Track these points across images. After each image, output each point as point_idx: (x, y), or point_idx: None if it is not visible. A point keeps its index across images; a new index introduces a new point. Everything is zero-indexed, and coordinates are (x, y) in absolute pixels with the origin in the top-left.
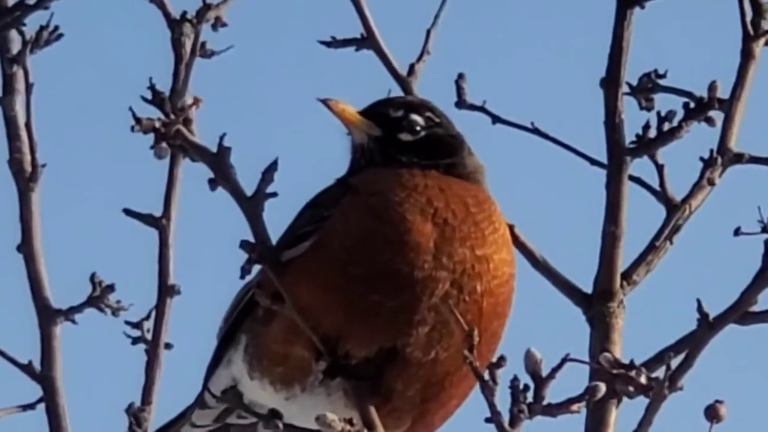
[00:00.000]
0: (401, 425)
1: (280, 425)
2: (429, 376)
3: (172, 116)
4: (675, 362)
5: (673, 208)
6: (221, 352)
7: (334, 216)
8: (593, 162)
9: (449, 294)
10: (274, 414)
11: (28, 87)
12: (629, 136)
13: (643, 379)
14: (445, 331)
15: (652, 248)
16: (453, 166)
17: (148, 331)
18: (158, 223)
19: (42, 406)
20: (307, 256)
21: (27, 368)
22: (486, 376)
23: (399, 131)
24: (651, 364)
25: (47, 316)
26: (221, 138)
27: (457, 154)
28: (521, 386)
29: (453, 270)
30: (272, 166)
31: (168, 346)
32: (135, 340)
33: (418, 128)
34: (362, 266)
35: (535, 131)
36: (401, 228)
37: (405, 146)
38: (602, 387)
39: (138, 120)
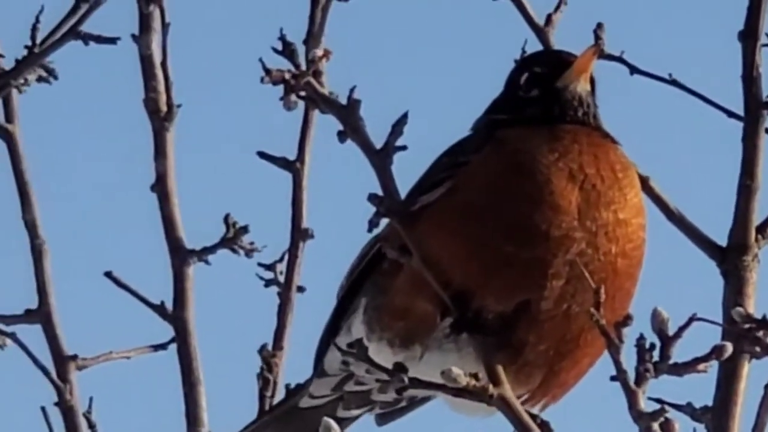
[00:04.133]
0: (531, 382)
1: (406, 379)
2: (563, 332)
3: (302, 68)
4: None
5: None
6: (339, 320)
7: (473, 161)
8: (730, 114)
9: (584, 253)
10: (400, 368)
11: (165, 26)
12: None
13: None
14: (580, 286)
15: None
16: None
17: (281, 273)
18: (292, 167)
19: (173, 347)
20: (441, 202)
21: (159, 309)
22: (612, 334)
23: (594, 91)
24: None
25: (180, 256)
26: (351, 90)
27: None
28: (647, 345)
29: (594, 233)
30: (402, 120)
31: (300, 289)
32: (268, 283)
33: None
34: (498, 214)
35: (673, 82)
36: (545, 189)
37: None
38: (729, 347)
39: (268, 71)
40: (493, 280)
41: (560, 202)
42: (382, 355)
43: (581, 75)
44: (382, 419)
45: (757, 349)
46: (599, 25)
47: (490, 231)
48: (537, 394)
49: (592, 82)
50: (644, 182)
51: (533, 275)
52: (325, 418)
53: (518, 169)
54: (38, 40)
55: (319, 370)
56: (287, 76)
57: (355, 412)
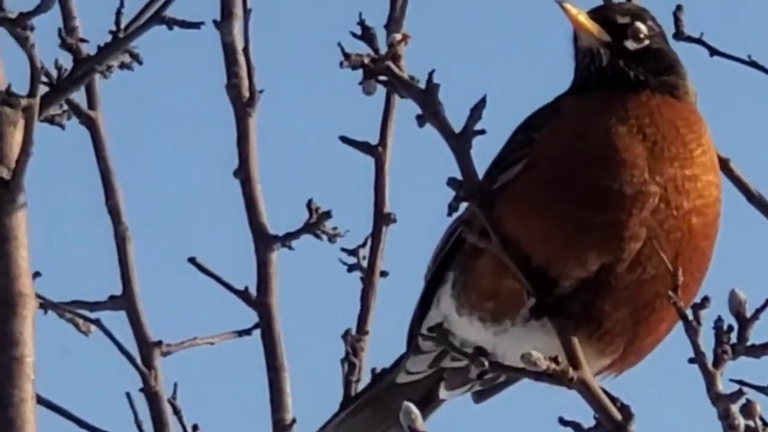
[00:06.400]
0: (615, 351)
1: (486, 363)
2: (637, 298)
3: (381, 52)
4: None
5: None
6: (431, 294)
7: (541, 137)
8: None
9: (658, 209)
10: (480, 352)
11: (246, 12)
12: None
13: None
14: (654, 249)
15: None
16: (670, 85)
17: (364, 258)
18: (374, 151)
19: (258, 332)
20: (518, 181)
21: (243, 294)
22: (690, 316)
23: (625, 38)
24: None
25: (264, 242)
26: (430, 74)
27: (675, 68)
28: (725, 327)
29: (663, 186)
30: (481, 104)
31: (384, 273)
32: (351, 268)
33: (642, 36)
34: (571, 182)
35: (753, 64)
36: (608, 147)
37: (630, 55)
38: None
39: (347, 56)
40: (572, 249)
41: (627, 157)
42: (474, 328)
43: (581, 32)
44: (480, 396)
45: None
46: (679, 7)
47: (565, 200)
48: (617, 362)
49: (616, 28)
50: (724, 164)
51: (611, 238)
52: (405, 402)
53: (581, 133)
54: (122, 26)
55: (413, 347)
56: (366, 60)
57: (456, 393)
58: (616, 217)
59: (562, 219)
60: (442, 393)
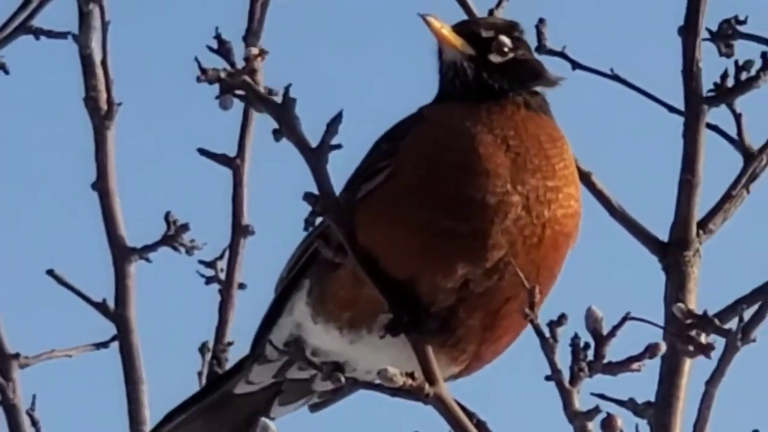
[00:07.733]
0: (466, 359)
1: (342, 378)
2: (490, 304)
3: (238, 66)
4: (748, 314)
5: (750, 157)
6: (283, 303)
7: (404, 145)
8: (671, 109)
9: (520, 218)
10: (337, 367)
11: (104, 24)
12: (707, 84)
13: (702, 339)
14: (510, 258)
15: (728, 197)
16: (536, 101)
17: (222, 270)
18: (232, 163)
19: (115, 345)
20: (380, 189)
21: (101, 306)
22: (546, 333)
23: (489, 52)
24: (724, 315)
25: (121, 254)
26: (286, 89)
27: (542, 78)
28: (582, 344)
29: (525, 196)
30: (337, 118)
31: (242, 286)
32: (209, 280)
33: (506, 49)
34: (432, 192)
35: (615, 77)
36: (472, 156)
37: (495, 68)
38: (662, 345)
39: (203, 71)
40: (433, 260)
41: (489, 166)
42: (330, 336)
43: (444, 45)
44: (316, 407)
45: (691, 348)
46: (541, 21)
47: (426, 209)
48: (463, 370)
49: (480, 42)
50: (586, 177)
51: (474, 248)
52: (263, 419)
53: (444, 140)
54: None
55: (259, 357)
56: (223, 74)
57: (290, 408)
58: (479, 227)
59: (423, 229)
60: (275, 410)
